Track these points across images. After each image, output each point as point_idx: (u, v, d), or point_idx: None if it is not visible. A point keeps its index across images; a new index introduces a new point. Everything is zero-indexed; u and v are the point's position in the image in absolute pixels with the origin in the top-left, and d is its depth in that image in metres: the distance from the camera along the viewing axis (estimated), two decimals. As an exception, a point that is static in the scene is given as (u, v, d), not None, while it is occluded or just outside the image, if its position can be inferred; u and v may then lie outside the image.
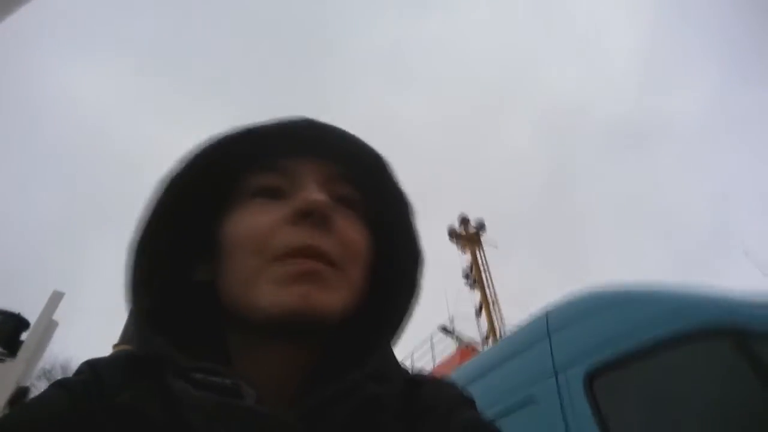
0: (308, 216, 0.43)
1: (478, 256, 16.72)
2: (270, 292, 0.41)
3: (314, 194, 0.44)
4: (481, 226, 17.50)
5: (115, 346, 8.91)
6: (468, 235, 17.27)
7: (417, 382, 0.51)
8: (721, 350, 1.34)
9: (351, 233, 0.46)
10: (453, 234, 17.32)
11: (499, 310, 15.06)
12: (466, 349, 11.63)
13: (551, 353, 1.82)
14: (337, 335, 0.46)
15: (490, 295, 15.43)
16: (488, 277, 16.01)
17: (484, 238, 17.31)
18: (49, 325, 5.33)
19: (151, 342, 0.44)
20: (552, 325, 1.94)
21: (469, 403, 0.50)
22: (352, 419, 0.41)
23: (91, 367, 0.45)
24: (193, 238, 0.48)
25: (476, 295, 15.49)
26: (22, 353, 4.91)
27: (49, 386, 0.43)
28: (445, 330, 12.32)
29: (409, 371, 0.54)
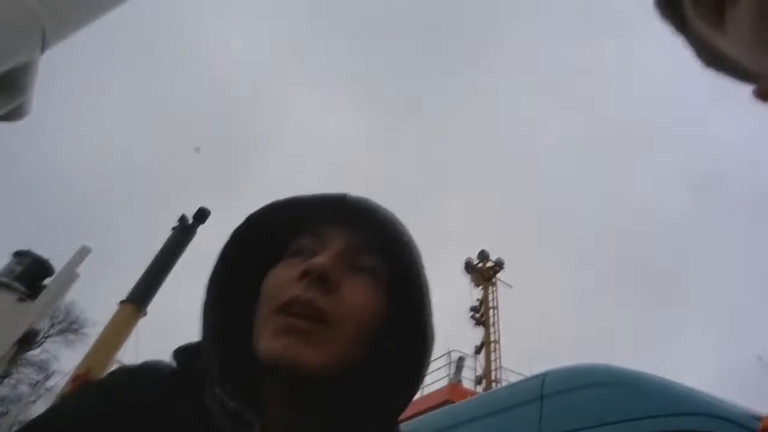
0: (308, 275, 0.49)
1: (490, 294, 16.53)
2: (266, 340, 0.48)
3: (319, 258, 0.50)
4: (499, 264, 17.30)
5: (121, 302, 9.12)
6: (483, 270, 17.09)
7: None
8: None
9: (353, 295, 0.51)
10: (468, 267, 17.17)
11: (500, 352, 14.83)
12: (455, 385, 11.49)
13: (540, 417, 1.84)
14: (343, 389, 0.51)
15: (494, 336, 15.21)
16: (495, 317, 15.80)
17: (501, 276, 17.11)
18: (70, 276, 5.57)
19: (208, 353, 0.51)
20: (547, 389, 1.95)
21: None
22: None
23: (129, 374, 0.52)
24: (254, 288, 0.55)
25: (479, 333, 15.30)
26: (42, 297, 5.14)
27: (86, 385, 0.51)
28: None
29: None
